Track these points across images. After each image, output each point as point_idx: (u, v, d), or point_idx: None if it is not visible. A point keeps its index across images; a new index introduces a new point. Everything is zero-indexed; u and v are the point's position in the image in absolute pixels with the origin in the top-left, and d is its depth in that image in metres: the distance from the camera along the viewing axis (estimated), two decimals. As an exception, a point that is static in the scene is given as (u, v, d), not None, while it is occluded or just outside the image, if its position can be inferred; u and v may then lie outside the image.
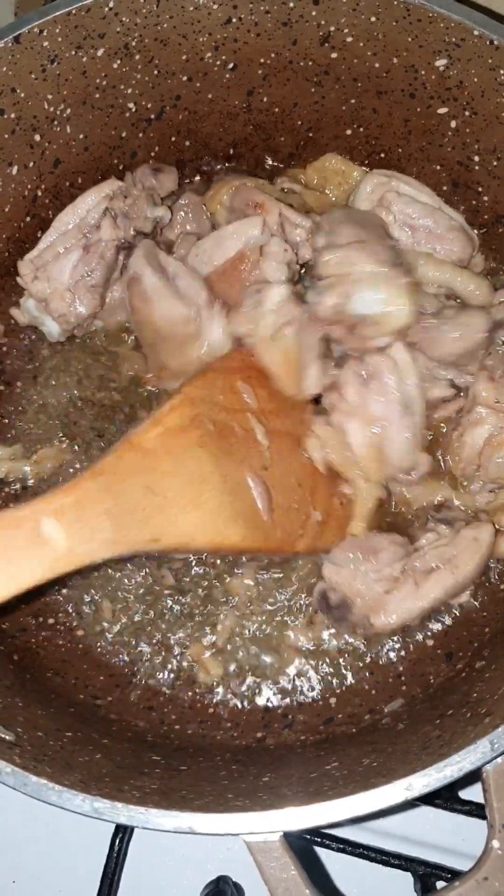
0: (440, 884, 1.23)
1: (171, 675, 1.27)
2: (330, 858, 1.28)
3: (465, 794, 1.28)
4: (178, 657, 1.27)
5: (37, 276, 1.28)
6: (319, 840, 1.23)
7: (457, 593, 1.19)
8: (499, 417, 1.22)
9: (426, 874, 1.23)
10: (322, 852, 1.27)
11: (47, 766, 0.92)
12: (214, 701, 1.26)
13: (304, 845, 1.24)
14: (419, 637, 1.26)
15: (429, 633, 1.27)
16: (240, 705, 1.25)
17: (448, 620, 1.27)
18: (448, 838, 1.30)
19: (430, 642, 1.26)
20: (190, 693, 1.26)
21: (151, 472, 1.02)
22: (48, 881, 1.31)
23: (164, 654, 1.27)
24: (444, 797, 1.27)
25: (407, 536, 1.22)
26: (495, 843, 0.87)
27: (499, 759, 0.89)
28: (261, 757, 1.16)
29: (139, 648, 1.28)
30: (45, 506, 0.92)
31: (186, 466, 1.05)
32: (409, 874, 1.24)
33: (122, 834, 1.24)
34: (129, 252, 1.29)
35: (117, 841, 1.24)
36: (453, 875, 1.21)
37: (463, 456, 1.24)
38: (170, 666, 1.27)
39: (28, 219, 1.34)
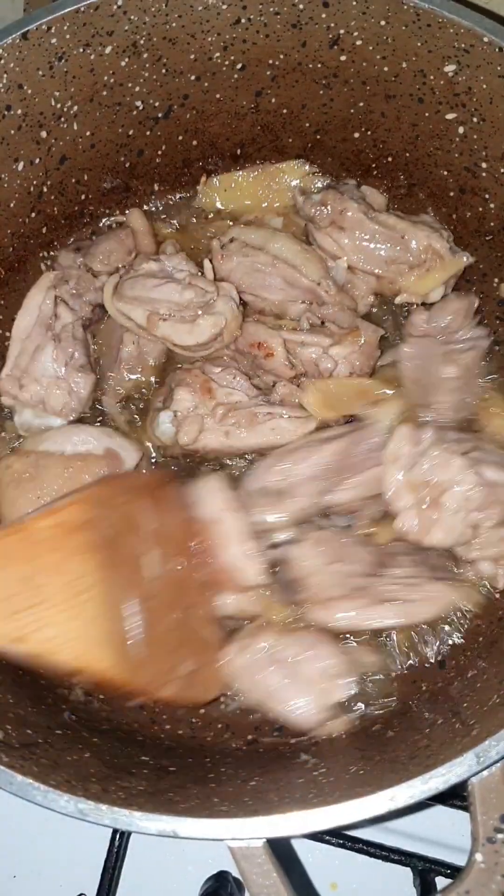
0: (440, 879, 1.24)
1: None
2: (329, 854, 1.28)
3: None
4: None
5: (22, 383, 1.28)
6: (319, 836, 1.23)
7: (397, 630, 1.22)
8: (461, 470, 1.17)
9: (426, 870, 1.24)
10: (322, 848, 1.28)
11: (34, 765, 0.92)
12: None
13: (287, 852, 1.25)
14: (413, 643, 1.26)
15: (423, 640, 1.26)
16: (232, 707, 1.25)
17: (442, 627, 1.27)
18: (448, 834, 1.30)
19: (423, 649, 1.26)
20: (182, 693, 1.27)
21: (33, 563, 0.97)
22: (48, 876, 1.31)
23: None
24: (445, 793, 1.27)
25: (387, 556, 1.21)
26: (478, 857, 0.87)
27: (485, 773, 0.89)
28: (250, 760, 1.16)
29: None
30: None
31: (71, 568, 1.00)
32: (408, 870, 1.25)
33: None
34: (92, 323, 1.35)
35: (118, 836, 1.25)
36: (452, 871, 1.22)
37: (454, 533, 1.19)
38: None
39: (33, 214, 1.34)
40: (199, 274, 1.34)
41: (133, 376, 1.37)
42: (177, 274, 1.32)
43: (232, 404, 1.27)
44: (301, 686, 1.14)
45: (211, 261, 1.37)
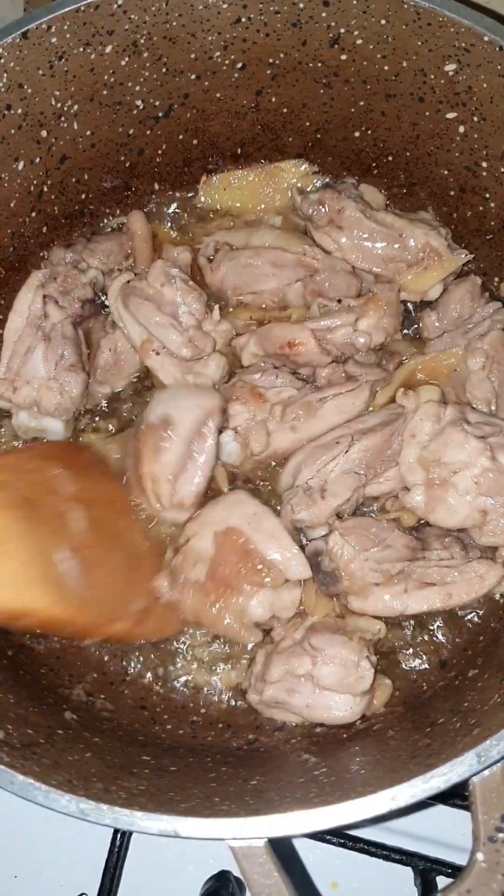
0: (441, 879, 1.24)
1: (165, 674, 1.27)
2: (330, 853, 1.28)
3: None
4: (172, 655, 1.27)
5: (15, 386, 1.28)
6: (320, 835, 1.24)
7: (438, 613, 1.21)
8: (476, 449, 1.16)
9: (427, 869, 1.24)
10: (323, 847, 1.28)
11: (35, 765, 0.92)
12: (207, 701, 1.26)
13: (288, 851, 1.25)
14: (414, 643, 1.26)
15: (423, 640, 1.27)
16: (233, 706, 1.25)
17: (443, 627, 1.27)
18: (449, 834, 1.30)
19: (424, 649, 1.26)
20: (183, 692, 1.27)
21: None
22: (49, 876, 1.31)
23: (158, 651, 1.28)
24: (446, 792, 1.27)
25: (421, 540, 1.22)
26: (479, 856, 0.87)
27: (486, 772, 0.89)
28: (251, 759, 1.16)
29: (133, 646, 1.28)
30: None
31: None
32: (409, 869, 1.25)
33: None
34: (84, 322, 1.34)
35: (119, 836, 1.25)
36: (453, 870, 1.22)
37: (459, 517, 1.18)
38: (163, 664, 1.27)
39: (33, 214, 1.34)
40: (206, 317, 1.32)
41: (103, 389, 1.36)
42: (183, 316, 1.31)
43: (285, 400, 1.26)
44: (331, 690, 1.13)
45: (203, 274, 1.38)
